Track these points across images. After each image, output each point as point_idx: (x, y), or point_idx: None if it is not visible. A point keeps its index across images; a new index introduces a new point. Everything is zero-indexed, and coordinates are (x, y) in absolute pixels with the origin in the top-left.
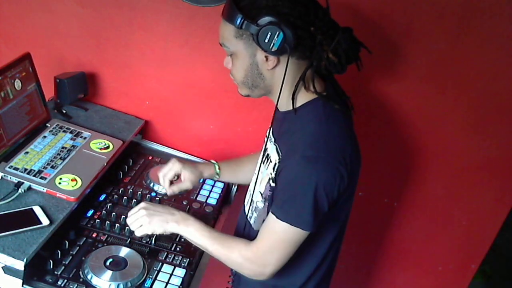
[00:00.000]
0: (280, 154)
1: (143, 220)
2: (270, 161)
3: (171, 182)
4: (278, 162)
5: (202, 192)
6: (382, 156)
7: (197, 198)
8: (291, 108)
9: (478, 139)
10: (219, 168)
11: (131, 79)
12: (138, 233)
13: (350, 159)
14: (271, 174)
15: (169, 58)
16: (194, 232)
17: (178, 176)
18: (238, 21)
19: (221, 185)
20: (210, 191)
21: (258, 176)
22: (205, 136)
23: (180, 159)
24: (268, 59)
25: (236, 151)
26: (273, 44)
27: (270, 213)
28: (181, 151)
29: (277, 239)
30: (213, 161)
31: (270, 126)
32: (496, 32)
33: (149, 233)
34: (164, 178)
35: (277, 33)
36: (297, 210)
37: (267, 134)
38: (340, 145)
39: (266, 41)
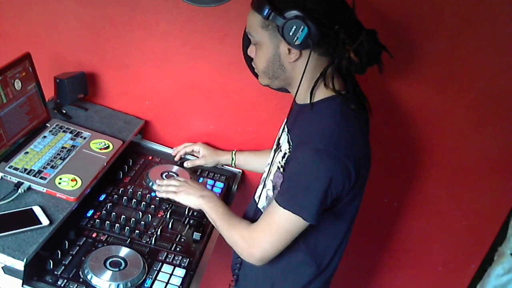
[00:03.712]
0: (291, 144)
1: (175, 188)
2: (281, 151)
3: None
4: (288, 152)
5: None
6: (382, 156)
7: None
8: (308, 102)
9: (478, 139)
10: (234, 154)
11: (131, 79)
12: (162, 195)
13: (359, 158)
14: (279, 162)
15: (169, 58)
16: (212, 207)
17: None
18: (266, 12)
19: (221, 185)
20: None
21: (271, 166)
22: (205, 136)
23: (204, 144)
24: (291, 52)
25: None
26: (297, 37)
27: (273, 199)
28: None
29: (275, 223)
30: (234, 150)
31: (286, 117)
32: (496, 32)
33: (177, 200)
34: (185, 148)
35: (302, 27)
36: (301, 199)
37: (282, 125)
38: (350, 143)
39: (291, 34)
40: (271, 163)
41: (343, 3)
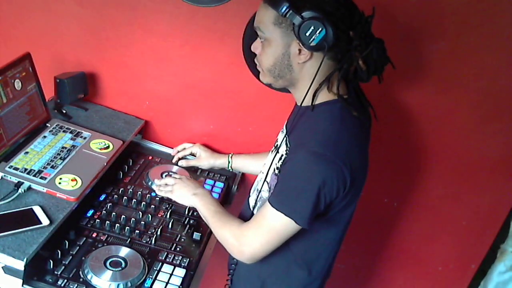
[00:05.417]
0: (289, 146)
1: (170, 187)
2: (278, 152)
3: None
4: (285, 154)
5: None
6: (382, 156)
7: None
8: (309, 104)
9: (478, 139)
10: (231, 157)
11: (131, 79)
12: (161, 193)
13: (355, 164)
14: (276, 164)
15: (169, 58)
16: (205, 205)
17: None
18: (284, 9)
19: (221, 185)
20: (210, 191)
21: (268, 167)
22: (205, 136)
23: (203, 146)
24: (302, 52)
25: (237, 151)
26: (313, 39)
27: (267, 200)
28: None
29: (266, 224)
30: (231, 153)
31: (287, 119)
32: (496, 32)
33: (173, 199)
34: (183, 151)
35: (320, 29)
36: (294, 202)
37: (283, 127)
38: (347, 148)
39: (307, 34)
40: (270, 164)
41: (357, 9)
